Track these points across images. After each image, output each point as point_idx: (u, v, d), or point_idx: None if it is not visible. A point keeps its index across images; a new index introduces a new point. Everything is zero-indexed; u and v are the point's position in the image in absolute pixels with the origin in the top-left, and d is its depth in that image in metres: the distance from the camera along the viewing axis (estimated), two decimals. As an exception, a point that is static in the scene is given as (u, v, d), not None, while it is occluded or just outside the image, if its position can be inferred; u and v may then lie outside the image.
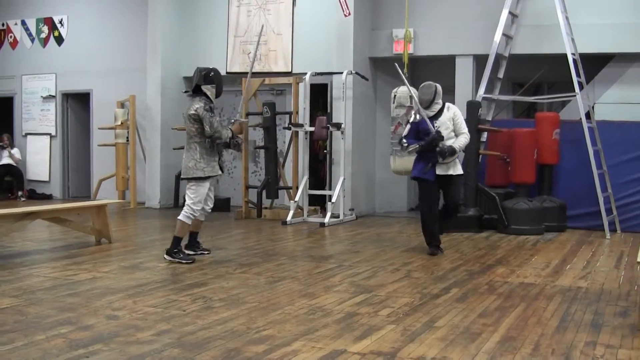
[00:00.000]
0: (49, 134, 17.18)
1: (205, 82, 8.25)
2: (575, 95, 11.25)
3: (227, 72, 14.35)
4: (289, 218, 12.18)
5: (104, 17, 16.32)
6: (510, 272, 7.86)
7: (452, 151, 8.74)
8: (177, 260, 8.15)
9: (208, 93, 8.25)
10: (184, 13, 15.06)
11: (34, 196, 16.86)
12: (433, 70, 13.85)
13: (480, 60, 12.49)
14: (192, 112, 8.09)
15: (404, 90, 11.46)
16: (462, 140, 8.92)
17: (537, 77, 12.78)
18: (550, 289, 7.00)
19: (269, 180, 12.94)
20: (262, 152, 13.73)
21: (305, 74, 12.84)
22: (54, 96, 17.03)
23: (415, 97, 8.96)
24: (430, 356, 4.73)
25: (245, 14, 14.12)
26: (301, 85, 12.87)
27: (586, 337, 5.22)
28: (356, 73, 12.90)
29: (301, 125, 12.66)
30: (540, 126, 11.62)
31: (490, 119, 12.19)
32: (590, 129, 11.25)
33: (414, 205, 14.81)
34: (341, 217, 12.45)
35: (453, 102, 12.71)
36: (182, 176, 8.36)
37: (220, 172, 8.37)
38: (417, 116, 8.90)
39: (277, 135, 13.30)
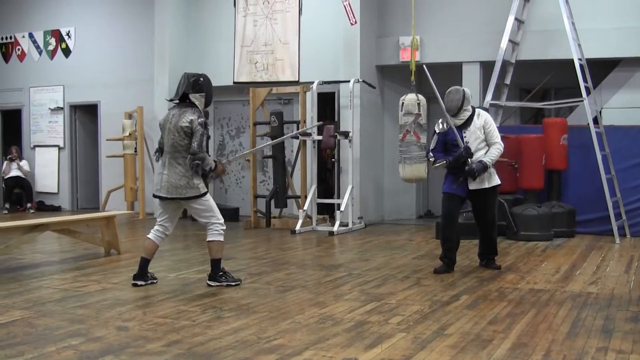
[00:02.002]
0: (57, 146, 17.23)
1: (193, 90, 7.26)
2: (582, 101, 11.24)
3: (234, 82, 14.46)
4: (298, 227, 12.18)
5: (111, 28, 16.38)
6: (520, 279, 7.84)
7: (483, 168, 8.07)
8: (225, 283, 7.39)
9: (196, 103, 7.26)
10: (191, 24, 15.11)
11: (42, 208, 16.91)
12: (440, 78, 13.84)
13: (487, 67, 12.49)
14: (185, 124, 7.14)
15: (411, 98, 11.44)
16: (494, 152, 8.18)
17: (544, 83, 12.78)
18: (560, 294, 6.98)
19: (278, 190, 12.94)
20: (270, 161, 13.74)
21: (313, 82, 12.86)
22: (61, 108, 17.09)
23: (442, 105, 8.41)
24: (441, 364, 4.73)
25: (251, 24, 14.20)
26: (308, 94, 12.89)
27: (597, 342, 5.20)
28: (363, 81, 12.91)
29: (309, 134, 12.67)
30: (548, 132, 11.60)
31: (497, 125, 12.15)
32: (598, 134, 11.23)
33: (423, 213, 14.81)
34: (350, 225, 12.44)
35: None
36: (168, 195, 7.35)
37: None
38: (444, 125, 8.26)
39: (285, 144, 13.31)
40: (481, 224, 8.54)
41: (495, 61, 11.90)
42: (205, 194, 7.34)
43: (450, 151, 8.23)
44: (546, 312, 6.20)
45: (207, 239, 7.44)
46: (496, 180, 8.34)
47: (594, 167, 11.07)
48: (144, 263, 7.55)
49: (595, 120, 11.41)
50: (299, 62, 13.83)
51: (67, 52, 17.04)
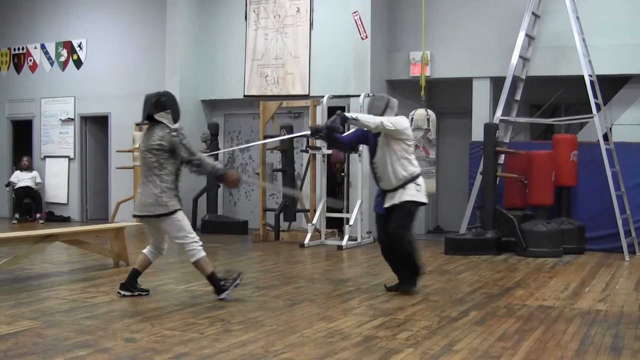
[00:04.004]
0: (68, 157, 17.30)
1: (157, 110, 7.25)
2: (592, 117, 11.23)
3: (244, 95, 14.51)
4: (306, 241, 12.17)
5: (122, 40, 16.46)
6: (529, 295, 7.81)
7: (340, 119, 7.26)
8: (231, 287, 7.39)
9: (165, 121, 7.24)
10: (202, 36, 15.17)
11: (52, 218, 16.96)
12: (450, 93, 13.89)
13: (497, 83, 12.50)
14: (156, 142, 7.17)
15: (421, 113, 11.47)
16: (368, 116, 7.51)
17: (554, 99, 12.76)
18: (569, 311, 6.95)
19: (287, 203, 12.95)
20: (279, 175, 13.75)
21: (323, 96, 12.87)
22: (72, 119, 17.16)
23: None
24: (450, 380, 4.71)
25: (262, 38, 14.27)
26: (318, 108, 12.89)
27: (607, 360, 5.18)
28: (374, 96, 12.89)
29: (319, 148, 12.67)
30: (557, 148, 11.58)
31: (507, 141, 12.17)
32: (608, 150, 11.21)
33: (432, 228, 14.78)
34: (359, 239, 12.42)
35: (470, 125, 12.81)
36: (138, 213, 7.40)
37: (179, 206, 7.36)
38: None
39: (294, 158, 13.32)
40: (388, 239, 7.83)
41: (505, 77, 11.91)
42: (175, 212, 7.28)
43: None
44: (555, 329, 6.18)
45: (191, 261, 7.39)
46: (410, 196, 7.60)
47: (604, 183, 11.05)
48: (133, 273, 7.59)
49: (606, 137, 11.40)
50: (310, 76, 13.87)
51: (78, 63, 17.12)
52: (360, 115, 7.61)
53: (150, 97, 7.35)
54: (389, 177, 7.60)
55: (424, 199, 7.74)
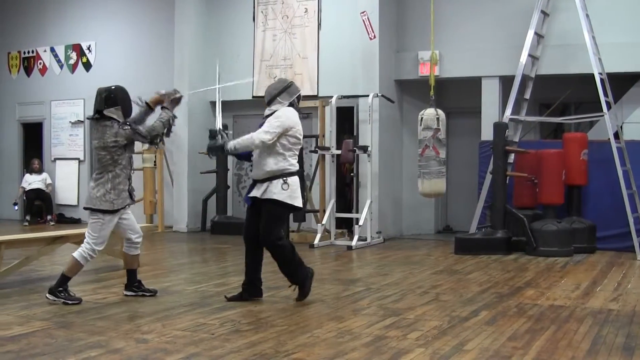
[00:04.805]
0: (78, 159, 17.34)
1: (107, 106, 7.19)
2: (603, 115, 11.19)
3: (253, 96, 14.49)
4: (316, 241, 12.16)
5: (131, 43, 16.49)
6: (540, 295, 7.78)
7: (218, 146, 7.27)
8: (62, 300, 7.12)
9: (114, 117, 7.18)
10: (211, 38, 15.17)
11: (62, 220, 17.00)
12: (459, 92, 13.86)
13: (506, 82, 12.46)
14: (111, 139, 7.11)
15: (430, 113, 11.45)
16: (244, 137, 7.21)
17: (564, 98, 12.73)
18: (580, 311, 6.93)
19: (296, 204, 12.92)
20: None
21: (331, 97, 12.86)
22: (82, 121, 17.19)
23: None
24: (461, 379, 4.70)
25: (270, 38, 14.27)
26: (327, 108, 12.90)
27: None
28: (382, 96, 12.91)
29: (328, 149, 12.67)
30: (568, 147, 11.55)
31: (517, 140, 12.13)
32: (619, 149, 11.16)
33: (442, 228, 14.76)
34: (368, 240, 12.41)
35: (479, 125, 12.77)
36: (85, 205, 7.31)
37: (129, 201, 7.38)
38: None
39: (303, 159, 13.31)
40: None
41: (514, 76, 11.87)
42: (110, 212, 7.22)
43: None
44: (566, 329, 6.15)
45: (72, 254, 7.35)
46: (272, 194, 7.19)
47: (615, 182, 11.00)
48: (128, 273, 7.74)
49: (616, 135, 11.34)
50: (318, 76, 13.86)
51: (87, 66, 17.16)
52: (239, 142, 7.20)
53: (102, 92, 7.28)
54: (258, 167, 7.27)
55: (294, 202, 7.30)
